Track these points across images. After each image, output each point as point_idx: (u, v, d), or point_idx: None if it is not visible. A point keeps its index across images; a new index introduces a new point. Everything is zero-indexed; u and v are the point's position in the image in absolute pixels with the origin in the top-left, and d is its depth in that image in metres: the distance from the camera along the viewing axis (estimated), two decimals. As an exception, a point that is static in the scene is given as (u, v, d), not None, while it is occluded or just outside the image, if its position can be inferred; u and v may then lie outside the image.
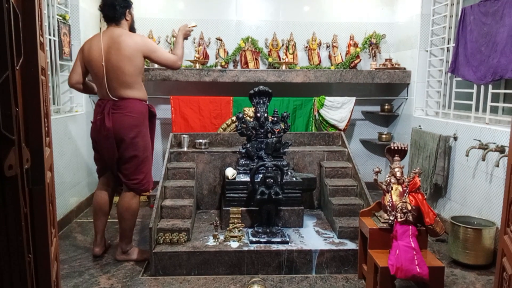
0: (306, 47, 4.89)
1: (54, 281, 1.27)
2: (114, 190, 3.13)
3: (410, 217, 2.40)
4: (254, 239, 2.93)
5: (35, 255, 1.11)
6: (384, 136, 4.83)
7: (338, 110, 4.63)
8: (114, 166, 2.91)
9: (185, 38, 3.10)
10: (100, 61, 2.76)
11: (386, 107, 4.82)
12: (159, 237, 2.89)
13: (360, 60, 4.83)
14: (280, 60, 4.77)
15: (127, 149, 2.81)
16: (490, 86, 3.33)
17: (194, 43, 4.79)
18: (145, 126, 2.90)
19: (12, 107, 0.89)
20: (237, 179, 3.27)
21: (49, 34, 3.64)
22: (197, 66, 4.51)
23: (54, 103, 3.81)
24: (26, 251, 0.95)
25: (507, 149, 2.91)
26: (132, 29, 2.95)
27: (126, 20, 2.89)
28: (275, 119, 3.41)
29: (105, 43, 2.78)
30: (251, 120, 3.49)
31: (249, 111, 4.26)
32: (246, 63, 4.76)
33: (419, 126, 4.21)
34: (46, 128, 1.30)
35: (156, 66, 4.43)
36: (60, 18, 3.83)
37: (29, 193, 1.08)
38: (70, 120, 3.93)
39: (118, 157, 2.85)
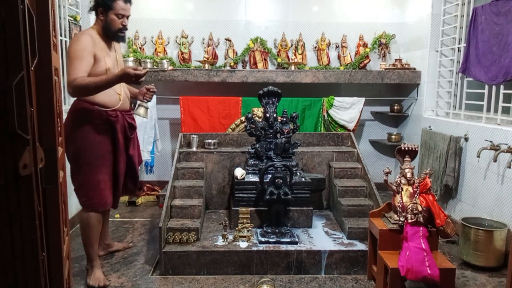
0: (315, 47, 4.88)
1: (66, 279, 1.28)
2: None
3: (421, 218, 2.38)
4: (263, 239, 2.93)
5: (48, 254, 1.12)
6: (393, 136, 4.80)
7: (347, 110, 4.61)
8: None
9: (130, 82, 2.50)
10: None
11: (395, 107, 4.79)
12: (169, 237, 2.91)
13: (370, 60, 4.81)
14: (289, 60, 4.77)
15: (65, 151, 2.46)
16: (502, 87, 3.30)
17: (204, 43, 4.80)
18: (82, 131, 2.52)
19: (27, 107, 0.90)
20: (246, 179, 3.28)
21: (61, 35, 3.68)
22: (206, 66, 4.52)
23: (65, 103, 3.85)
24: (40, 250, 0.96)
25: (519, 150, 2.87)
26: (106, 31, 2.60)
27: (100, 19, 2.60)
28: (284, 119, 3.41)
29: None
30: (260, 120, 3.50)
31: (258, 111, 4.26)
32: (255, 63, 4.76)
33: (429, 126, 4.17)
34: (59, 128, 1.31)
35: (165, 66, 4.45)
36: (71, 19, 3.87)
37: (42, 192, 1.09)
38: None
39: None
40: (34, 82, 1.07)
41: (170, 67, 2.61)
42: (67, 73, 2.42)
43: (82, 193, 2.60)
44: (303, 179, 3.29)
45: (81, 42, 2.46)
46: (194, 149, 3.78)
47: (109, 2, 2.54)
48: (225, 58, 4.79)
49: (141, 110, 2.95)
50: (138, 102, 2.97)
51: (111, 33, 2.61)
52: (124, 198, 4.47)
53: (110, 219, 3.92)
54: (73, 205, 3.67)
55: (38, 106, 1.10)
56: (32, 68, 1.00)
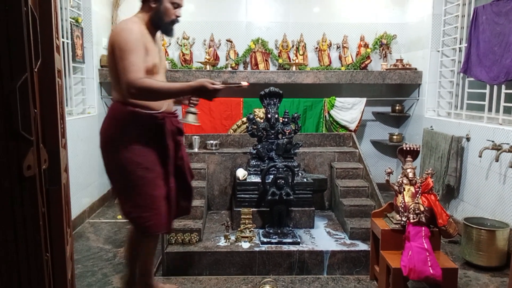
0: (316, 48, 4.88)
1: (69, 280, 1.29)
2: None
3: (423, 218, 2.38)
4: (265, 240, 2.93)
5: (52, 254, 1.13)
6: (395, 137, 4.80)
7: (348, 111, 4.61)
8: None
9: (204, 96, 2.10)
10: None
11: (397, 107, 4.79)
12: (171, 237, 2.91)
13: (371, 60, 4.81)
14: (290, 61, 4.77)
15: (106, 168, 2.14)
16: (503, 86, 3.30)
17: (205, 45, 4.81)
18: (128, 139, 2.07)
19: (30, 108, 0.91)
20: (248, 180, 3.28)
21: (62, 37, 3.69)
22: (208, 67, 4.53)
23: (67, 105, 3.86)
24: (44, 250, 0.97)
25: (521, 150, 2.87)
26: (156, 21, 2.12)
27: (151, 6, 2.09)
28: (286, 120, 3.41)
29: None
30: (262, 121, 3.50)
31: (260, 112, 4.27)
32: (256, 64, 4.77)
33: (431, 126, 4.17)
34: (62, 130, 1.32)
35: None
36: (73, 21, 3.88)
37: (46, 193, 1.10)
38: (83, 121, 3.98)
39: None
40: (38, 84, 1.07)
41: (246, 83, 2.19)
42: (121, 68, 1.94)
43: (137, 215, 2.10)
44: (305, 180, 3.29)
45: (134, 31, 1.99)
46: (196, 150, 3.79)
47: None
48: (227, 59, 4.80)
49: (190, 117, 2.34)
50: (184, 108, 2.52)
51: (162, 24, 2.13)
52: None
53: (112, 220, 3.95)
54: (75, 206, 3.68)
55: (41, 108, 1.10)
56: (36, 70, 1.00)
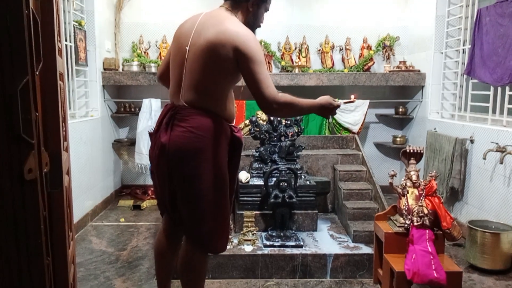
0: (319, 50, 4.88)
1: (71, 283, 1.28)
2: (179, 234, 2.19)
3: (427, 221, 2.36)
4: (268, 243, 2.92)
5: (53, 258, 1.12)
6: (398, 139, 4.78)
7: (351, 113, 4.60)
8: (166, 202, 2.02)
9: (325, 114, 2.10)
10: (185, 43, 1.90)
11: (400, 109, 4.78)
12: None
13: (374, 62, 4.80)
14: (293, 63, 4.77)
15: (184, 182, 1.89)
16: (507, 88, 3.28)
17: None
18: (218, 153, 1.91)
19: (32, 111, 0.91)
20: (250, 183, 3.27)
21: (65, 40, 3.70)
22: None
23: (70, 108, 3.87)
24: (45, 254, 0.97)
25: (526, 152, 2.85)
26: (251, 25, 2.00)
27: (248, 9, 1.97)
28: (289, 122, 3.40)
29: (202, 21, 1.91)
30: (264, 123, 3.49)
31: (262, 114, 4.26)
32: (259, 66, 4.76)
33: (435, 129, 4.15)
34: (64, 133, 1.31)
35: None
36: (76, 24, 3.90)
37: (47, 196, 1.09)
38: (86, 124, 3.98)
39: (172, 191, 1.95)
40: (39, 87, 1.07)
41: (354, 97, 2.28)
42: (258, 80, 1.80)
43: (214, 236, 1.96)
44: (308, 182, 3.28)
45: (258, 41, 1.90)
46: (199, 152, 3.78)
47: None
48: (229, 62, 4.79)
49: None
50: None
51: (254, 29, 2.03)
52: (129, 202, 4.48)
53: (115, 223, 3.95)
54: (78, 208, 3.68)
55: (43, 111, 1.10)
56: (37, 73, 1.00)
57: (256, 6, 1.98)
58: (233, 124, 2.03)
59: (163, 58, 4.64)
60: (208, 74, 1.86)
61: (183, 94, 1.90)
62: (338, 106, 2.04)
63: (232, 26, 1.84)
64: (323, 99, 2.01)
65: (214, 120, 1.89)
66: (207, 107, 1.89)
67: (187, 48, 1.88)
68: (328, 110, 2.04)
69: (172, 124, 1.88)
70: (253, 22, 2.01)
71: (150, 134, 2.07)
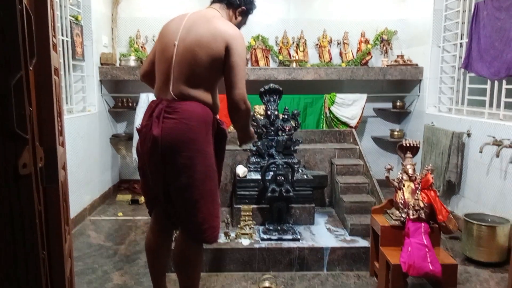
0: (317, 44, 4.87)
1: (68, 277, 1.29)
2: (169, 230, 2.26)
3: (423, 214, 2.38)
4: (265, 237, 2.94)
5: (49, 252, 1.13)
6: (396, 133, 4.79)
7: (349, 107, 4.61)
8: (160, 197, 2.05)
9: (244, 138, 2.26)
10: (173, 39, 1.98)
11: (398, 104, 4.78)
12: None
13: (372, 57, 4.80)
14: (290, 57, 4.76)
15: (178, 173, 1.93)
16: (504, 82, 3.28)
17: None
18: (208, 143, 1.98)
19: (26, 107, 0.91)
20: (248, 177, 3.28)
21: (62, 35, 3.69)
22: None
23: (67, 103, 3.87)
24: (41, 248, 0.97)
25: (521, 146, 2.86)
26: None
27: (236, 14, 2.17)
28: (286, 116, 3.41)
29: (190, 19, 2.02)
30: (262, 118, 3.50)
31: (260, 109, 4.26)
32: (257, 61, 4.76)
33: (432, 122, 4.16)
34: (60, 127, 1.32)
35: None
36: (73, 19, 3.88)
37: (43, 191, 1.10)
38: (83, 119, 3.98)
39: (166, 183, 1.99)
40: (34, 82, 1.07)
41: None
42: (238, 77, 1.94)
43: (210, 225, 2.01)
44: (305, 176, 3.29)
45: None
46: (196, 147, 3.78)
47: (253, 6, 2.26)
48: (227, 56, 4.78)
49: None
50: None
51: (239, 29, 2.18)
52: (127, 197, 4.49)
53: (113, 218, 3.97)
54: (76, 203, 3.70)
55: (38, 106, 1.11)
56: (31, 68, 1.00)
57: (244, 14, 2.20)
58: (218, 117, 2.11)
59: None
60: (200, 67, 1.94)
61: (172, 87, 1.96)
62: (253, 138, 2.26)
63: (224, 24, 1.99)
64: (253, 131, 2.25)
65: (204, 111, 1.97)
66: (197, 97, 1.96)
67: (176, 43, 1.97)
68: (249, 139, 2.24)
69: (163, 117, 1.92)
70: (237, 26, 2.15)
71: (138, 130, 2.09)
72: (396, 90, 4.96)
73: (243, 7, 2.17)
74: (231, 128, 4.41)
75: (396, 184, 2.55)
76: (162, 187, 2.00)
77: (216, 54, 1.92)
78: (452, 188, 3.75)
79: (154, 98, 2.07)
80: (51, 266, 1.15)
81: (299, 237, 2.94)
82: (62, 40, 3.69)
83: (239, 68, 1.94)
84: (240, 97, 1.96)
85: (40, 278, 0.96)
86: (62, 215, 1.24)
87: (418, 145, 2.65)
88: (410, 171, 2.53)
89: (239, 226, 3.09)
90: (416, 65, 4.57)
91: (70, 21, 3.81)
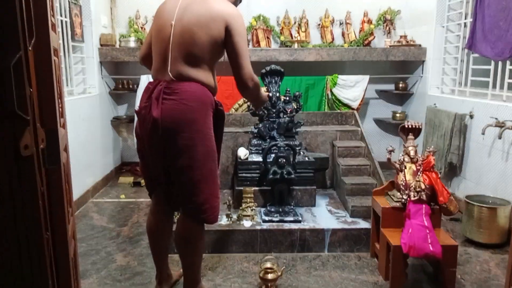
0: (319, 24, 4.80)
1: (72, 258, 1.30)
2: (170, 212, 2.27)
3: (424, 195, 2.39)
4: (267, 218, 2.96)
5: (53, 233, 1.14)
6: (398, 115, 4.77)
7: (351, 89, 4.57)
8: (160, 178, 2.05)
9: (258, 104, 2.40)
10: (169, 19, 1.95)
11: (400, 85, 4.75)
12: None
13: (374, 37, 4.74)
14: (292, 38, 4.71)
15: (179, 154, 1.93)
16: (508, 62, 3.24)
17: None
18: (208, 124, 1.98)
19: (25, 87, 0.90)
20: (249, 159, 3.28)
21: (60, 15, 3.64)
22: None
23: (67, 85, 3.84)
24: (44, 229, 0.98)
25: (524, 127, 2.85)
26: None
27: None
28: (287, 98, 3.39)
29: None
30: (263, 99, 3.47)
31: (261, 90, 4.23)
32: (258, 42, 4.71)
33: (434, 104, 4.14)
34: (60, 109, 1.31)
35: None
36: (71, -1, 3.83)
37: (45, 173, 1.10)
38: (84, 101, 3.97)
39: (167, 165, 1.99)
40: (33, 63, 1.06)
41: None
42: (242, 57, 1.95)
43: (210, 205, 2.02)
44: (307, 159, 3.29)
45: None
46: (198, 129, 3.78)
47: None
48: (228, 37, 4.73)
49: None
50: None
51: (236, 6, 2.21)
52: (129, 179, 4.51)
53: (115, 200, 3.99)
54: (78, 185, 3.71)
55: (38, 87, 1.09)
56: (30, 49, 0.99)
57: None
58: (216, 99, 2.09)
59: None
60: (199, 47, 1.92)
61: (170, 68, 1.93)
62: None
63: (222, 3, 1.96)
64: (265, 94, 2.31)
65: (203, 92, 1.96)
66: (196, 78, 1.95)
67: (173, 23, 1.93)
68: (263, 103, 2.37)
69: (162, 98, 1.90)
70: (234, 3, 2.11)
71: (136, 112, 2.06)
72: (398, 71, 4.91)
73: None
74: (232, 111, 4.40)
75: (397, 166, 2.55)
76: (162, 168, 2.00)
77: (215, 34, 1.91)
78: (453, 170, 3.75)
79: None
80: (54, 247, 1.16)
81: (300, 218, 2.96)
82: (61, 21, 3.65)
83: (242, 48, 1.95)
84: (248, 76, 1.98)
85: (44, 259, 0.97)
86: (65, 197, 1.24)
87: (420, 127, 2.63)
88: (412, 153, 2.53)
89: (241, 208, 3.11)
90: (420, 45, 4.51)
91: (69, 1, 3.76)
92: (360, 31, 4.78)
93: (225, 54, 2.01)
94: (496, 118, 3.11)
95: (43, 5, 1.11)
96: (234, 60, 1.96)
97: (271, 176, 2.99)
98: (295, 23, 4.79)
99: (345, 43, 4.78)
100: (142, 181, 4.42)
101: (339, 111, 4.34)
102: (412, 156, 2.52)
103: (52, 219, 1.14)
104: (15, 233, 0.92)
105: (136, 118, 2.12)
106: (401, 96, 5.00)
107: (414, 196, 2.38)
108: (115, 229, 3.29)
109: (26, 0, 0.94)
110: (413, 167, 2.50)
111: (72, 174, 1.51)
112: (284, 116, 3.35)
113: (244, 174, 3.25)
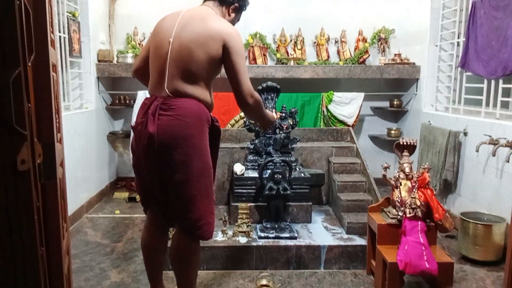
0: (315, 42, 4.87)
1: (66, 274, 1.29)
2: (165, 228, 2.27)
3: (419, 212, 2.39)
4: (262, 235, 2.94)
5: (47, 249, 1.13)
6: (393, 131, 4.80)
7: (346, 105, 4.61)
8: (156, 194, 2.05)
9: (265, 125, 2.37)
10: (168, 36, 1.98)
11: (395, 102, 4.79)
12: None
13: (369, 55, 4.80)
14: (288, 55, 4.76)
15: (174, 170, 1.93)
16: (500, 81, 3.30)
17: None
18: (204, 140, 1.99)
19: (24, 103, 0.91)
20: (245, 175, 3.28)
21: (59, 31, 3.67)
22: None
23: (64, 100, 3.85)
24: (39, 244, 0.97)
25: (518, 145, 2.88)
26: None
27: (229, 11, 2.17)
28: (283, 115, 3.41)
29: (185, 16, 2.02)
30: (259, 116, 3.49)
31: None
32: (254, 59, 4.76)
33: (429, 121, 4.17)
34: (58, 124, 1.31)
35: None
36: (70, 15, 3.87)
37: (41, 188, 1.10)
38: (80, 116, 3.97)
39: (162, 180, 1.99)
40: (32, 78, 1.07)
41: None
42: (241, 74, 1.97)
43: (206, 221, 2.02)
44: (302, 175, 3.29)
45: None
46: (194, 145, 3.78)
47: (246, 3, 2.24)
48: (224, 54, 4.77)
49: None
50: None
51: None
52: (124, 194, 4.49)
53: (110, 215, 3.96)
54: (73, 200, 3.69)
55: (36, 102, 1.10)
56: (29, 64, 1.00)
57: (237, 10, 2.19)
58: (212, 115, 2.10)
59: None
60: (196, 64, 1.94)
61: (167, 84, 1.95)
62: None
63: (220, 22, 2.01)
64: (271, 114, 2.31)
65: (199, 108, 1.97)
66: (192, 94, 1.96)
67: (170, 40, 1.96)
68: (270, 123, 2.32)
69: (158, 113, 1.92)
70: (231, 22, 2.16)
71: (132, 127, 2.07)
72: (393, 88, 4.97)
73: (236, 4, 2.17)
74: (228, 126, 4.41)
75: (393, 182, 2.55)
76: (158, 184, 2.00)
77: (213, 53, 1.94)
78: (448, 187, 3.76)
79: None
80: (49, 263, 1.15)
81: (296, 235, 2.95)
82: (59, 37, 3.67)
83: (240, 65, 1.97)
84: (247, 92, 1.99)
85: (39, 275, 0.96)
86: (60, 212, 1.23)
87: (415, 144, 2.66)
88: (407, 170, 2.54)
89: (236, 224, 3.10)
90: (414, 63, 4.58)
91: (67, 17, 3.79)
92: (355, 49, 4.84)
93: (222, 70, 2.04)
94: (489, 136, 3.14)
95: (43, 22, 1.13)
96: (233, 78, 1.98)
97: (267, 192, 2.99)
98: (291, 41, 4.85)
99: (340, 60, 4.84)
100: (137, 197, 4.39)
101: (334, 127, 4.37)
102: (407, 173, 2.53)
103: (47, 235, 1.14)
104: (10, 247, 0.91)
105: (132, 133, 2.13)
106: (396, 113, 5.04)
107: (410, 213, 2.39)
108: (110, 245, 3.25)
109: (27, 17, 0.95)
110: (409, 183, 2.51)
111: (67, 188, 1.50)
112: (280, 132, 3.37)
113: (240, 190, 3.24)
